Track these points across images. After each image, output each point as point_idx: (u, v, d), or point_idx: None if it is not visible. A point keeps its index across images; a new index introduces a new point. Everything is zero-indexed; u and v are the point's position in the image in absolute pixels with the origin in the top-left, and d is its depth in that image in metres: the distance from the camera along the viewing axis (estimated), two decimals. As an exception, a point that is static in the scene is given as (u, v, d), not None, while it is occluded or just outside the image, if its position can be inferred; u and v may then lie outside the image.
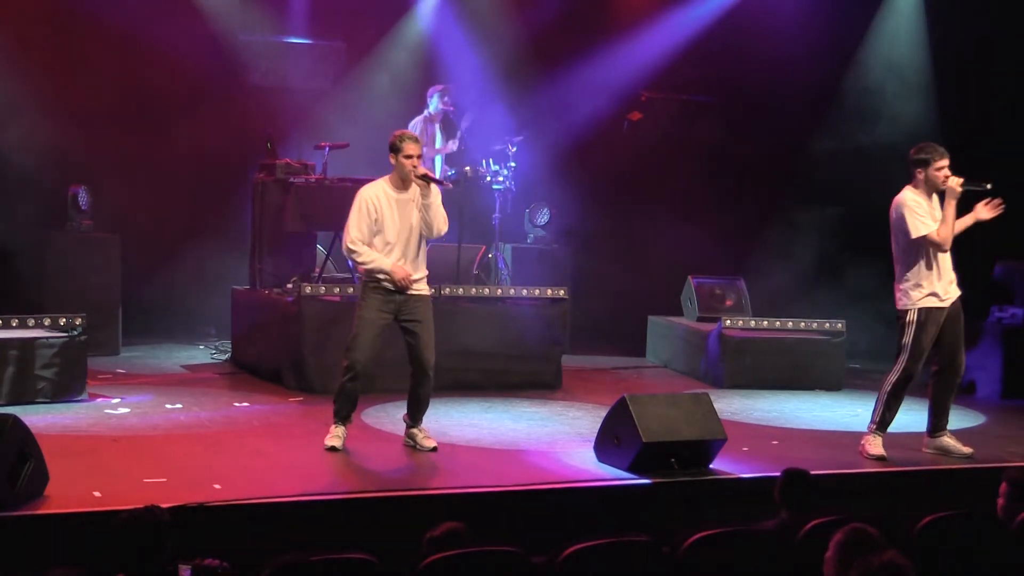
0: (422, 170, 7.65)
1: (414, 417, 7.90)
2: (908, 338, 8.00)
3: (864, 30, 13.69)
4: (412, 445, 7.85)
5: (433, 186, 7.65)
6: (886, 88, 13.39)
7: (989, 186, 7.98)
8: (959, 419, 9.55)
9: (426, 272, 7.82)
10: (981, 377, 10.94)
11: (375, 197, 7.62)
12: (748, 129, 13.82)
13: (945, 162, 7.93)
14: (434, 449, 7.77)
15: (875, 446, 8.07)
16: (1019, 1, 12.59)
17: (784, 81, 13.30)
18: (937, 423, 8.25)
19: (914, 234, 7.89)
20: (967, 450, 8.16)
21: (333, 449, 7.61)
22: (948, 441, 8.21)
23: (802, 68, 13.14)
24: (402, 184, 7.64)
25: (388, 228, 7.59)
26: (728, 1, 13.53)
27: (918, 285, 7.96)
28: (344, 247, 7.72)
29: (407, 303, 7.68)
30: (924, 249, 7.93)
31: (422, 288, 7.76)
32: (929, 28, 13.48)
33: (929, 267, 7.95)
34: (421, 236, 7.67)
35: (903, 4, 13.68)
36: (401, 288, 7.59)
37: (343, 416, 7.71)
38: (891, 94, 13.32)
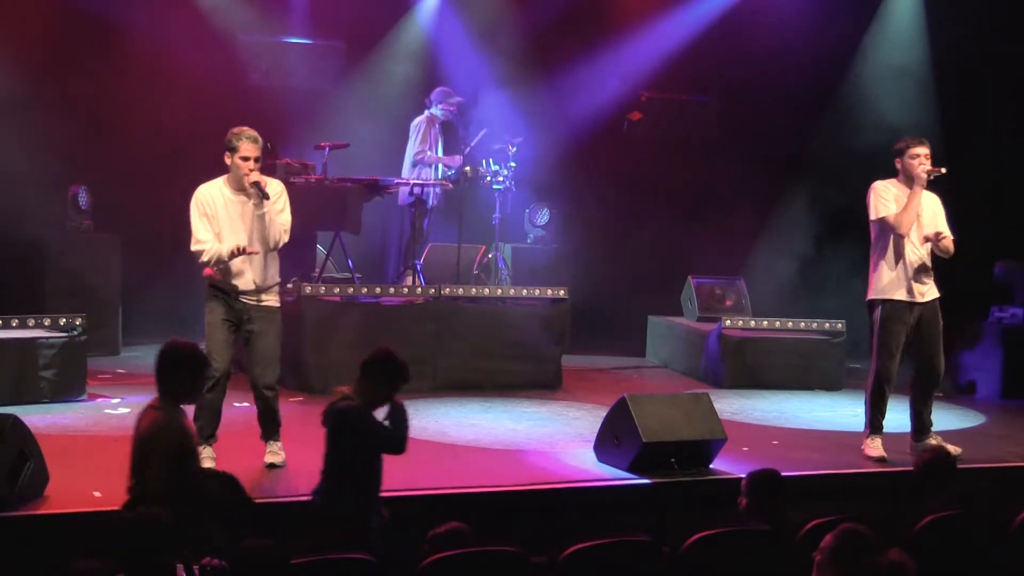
0: (255, 176, 6.97)
1: (264, 431, 7.42)
2: (876, 337, 7.99)
3: (864, 30, 13.68)
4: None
5: (272, 194, 7.02)
6: (885, 88, 13.38)
7: (944, 170, 7.88)
8: (959, 419, 9.57)
9: (277, 281, 7.31)
10: (981, 377, 10.94)
11: (209, 196, 7.06)
12: (747, 129, 13.81)
13: (921, 150, 7.88)
14: (271, 466, 7.23)
15: (873, 448, 8.06)
16: (1019, 1, 12.59)
17: (784, 81, 13.29)
18: (920, 427, 8.20)
19: (872, 215, 7.92)
20: (955, 451, 8.12)
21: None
22: (934, 444, 8.16)
23: (802, 68, 13.14)
24: (239, 186, 7.05)
25: (225, 230, 7.02)
26: (727, 1, 13.53)
27: (885, 275, 7.91)
28: (192, 252, 7.13)
29: (250, 312, 7.16)
30: (891, 238, 7.88)
31: (269, 299, 7.24)
32: (929, 28, 13.47)
33: (898, 259, 7.88)
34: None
35: (903, 4, 13.68)
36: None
37: (205, 435, 7.07)
38: (890, 94, 13.30)
